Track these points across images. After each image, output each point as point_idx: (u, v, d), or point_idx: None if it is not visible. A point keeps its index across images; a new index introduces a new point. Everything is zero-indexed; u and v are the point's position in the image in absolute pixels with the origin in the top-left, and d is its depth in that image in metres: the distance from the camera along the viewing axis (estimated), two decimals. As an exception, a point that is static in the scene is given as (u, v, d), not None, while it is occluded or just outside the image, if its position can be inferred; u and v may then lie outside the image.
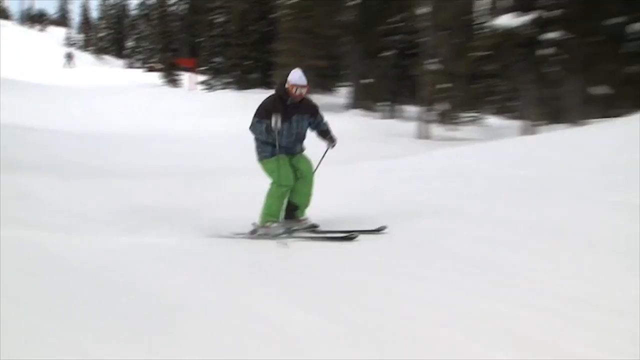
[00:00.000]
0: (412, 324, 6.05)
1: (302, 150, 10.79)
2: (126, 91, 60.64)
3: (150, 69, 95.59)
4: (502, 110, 43.36)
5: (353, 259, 8.84)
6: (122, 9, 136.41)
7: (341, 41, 49.62)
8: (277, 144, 10.20)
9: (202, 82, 69.62)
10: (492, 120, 43.77)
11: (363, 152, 26.06)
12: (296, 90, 10.00)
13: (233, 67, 68.03)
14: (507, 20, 31.92)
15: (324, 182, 13.11)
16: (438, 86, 39.35)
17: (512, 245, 9.55)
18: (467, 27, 40.36)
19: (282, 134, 10.23)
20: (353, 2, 49.04)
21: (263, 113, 10.01)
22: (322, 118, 10.74)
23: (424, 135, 37.21)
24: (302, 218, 10.44)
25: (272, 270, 8.57)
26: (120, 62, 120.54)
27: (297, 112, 10.19)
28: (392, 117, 46.94)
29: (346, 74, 52.71)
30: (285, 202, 10.51)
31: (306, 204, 10.57)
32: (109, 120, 41.18)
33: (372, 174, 15.94)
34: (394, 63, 46.73)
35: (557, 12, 30.54)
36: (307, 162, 10.68)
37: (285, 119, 10.08)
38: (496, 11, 34.69)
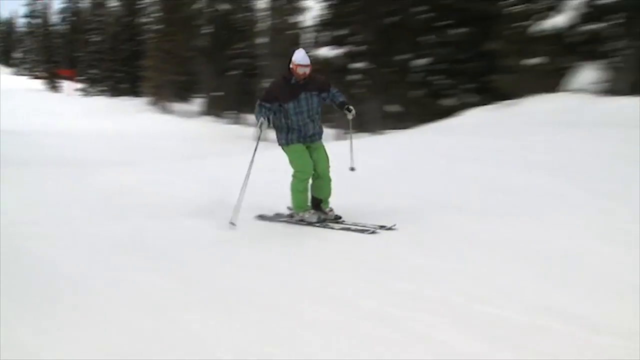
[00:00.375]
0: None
1: (319, 135, 8.93)
2: (13, 93, 60.28)
3: (36, 77, 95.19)
4: (324, 121, 44.62)
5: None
6: (10, 25, 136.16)
7: (196, 61, 51.39)
8: (287, 126, 8.68)
9: (80, 89, 71.87)
10: None
11: (212, 150, 27.04)
12: (299, 69, 8.33)
13: (106, 78, 71.00)
14: (325, 52, 32.79)
15: (183, 171, 13.97)
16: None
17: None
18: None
19: (291, 112, 8.58)
20: (206, 31, 51.13)
21: (266, 96, 8.49)
22: (334, 90, 8.87)
23: (261, 139, 36.54)
24: (327, 210, 8.91)
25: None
26: (8, 70, 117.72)
27: (304, 89, 8.47)
28: (236, 123, 47.58)
29: (200, 87, 54.52)
30: (311, 188, 8.95)
31: (327, 196, 9.02)
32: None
33: (218, 166, 15.46)
34: (238, 80, 47.96)
35: (362, 48, 31.54)
36: (324, 159, 8.84)
37: (292, 98, 8.48)
38: (318, 44, 35.60)
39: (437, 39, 30.20)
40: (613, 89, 19.64)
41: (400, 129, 26.67)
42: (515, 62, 22.93)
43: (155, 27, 55.68)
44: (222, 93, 49.16)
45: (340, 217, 8.73)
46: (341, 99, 8.75)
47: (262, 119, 8.44)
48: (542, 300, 5.66)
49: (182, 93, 56.17)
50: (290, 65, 8.34)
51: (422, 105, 29.78)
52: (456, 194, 10.73)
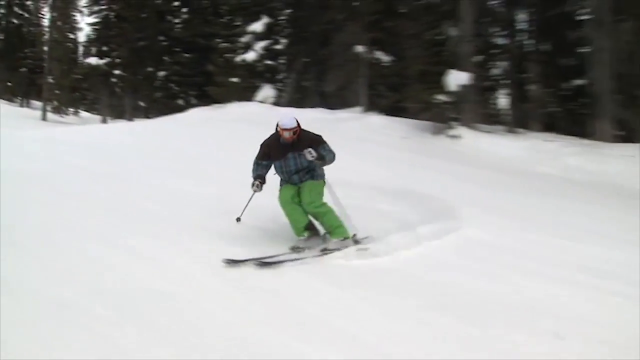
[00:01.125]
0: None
1: (308, 177, 6.74)
2: None
3: None
4: (90, 109, 45.33)
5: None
6: None
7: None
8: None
9: None
10: (85, 114, 43.33)
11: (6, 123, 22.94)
12: (285, 133, 6.51)
13: None
14: (93, 61, 33.52)
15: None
16: (56, 91, 39.18)
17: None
18: (73, 60, 41.14)
19: (277, 168, 6.77)
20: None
21: (261, 154, 6.79)
22: (324, 148, 6.65)
23: (45, 119, 34.56)
24: (336, 239, 6.36)
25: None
26: None
27: (292, 150, 6.57)
28: (22, 106, 43.77)
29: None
30: (300, 219, 6.53)
31: (331, 227, 6.50)
32: None
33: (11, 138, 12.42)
34: (27, 76, 45.04)
35: (119, 60, 32.59)
36: (308, 192, 6.59)
37: (281, 157, 6.60)
38: (87, 55, 35.98)
39: (172, 59, 32.47)
40: (279, 102, 23.10)
41: (147, 118, 28.61)
42: (224, 79, 24.82)
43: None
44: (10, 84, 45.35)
45: (358, 242, 6.48)
46: (322, 154, 6.60)
47: (256, 182, 6.78)
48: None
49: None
50: (277, 128, 6.66)
51: (162, 103, 31.90)
52: (168, 159, 11.32)
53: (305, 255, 6.14)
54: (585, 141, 17.44)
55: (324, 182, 6.86)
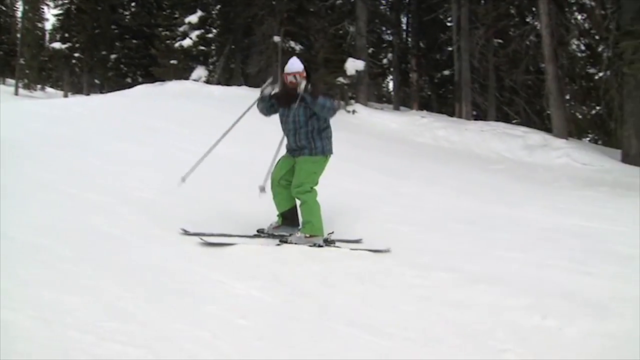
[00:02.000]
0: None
1: (305, 150, 5.09)
2: None
3: None
4: (54, 85, 42.71)
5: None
6: None
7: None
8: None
9: None
10: (50, 90, 41.50)
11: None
12: (288, 77, 5.03)
13: None
14: (57, 45, 31.80)
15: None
16: (26, 71, 37.60)
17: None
18: (40, 45, 38.89)
19: (280, 119, 5.22)
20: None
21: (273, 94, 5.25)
22: (320, 98, 4.95)
23: (17, 94, 33.50)
24: (301, 234, 5.00)
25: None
26: None
27: (298, 100, 4.93)
28: (2, 83, 40.38)
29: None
30: (281, 204, 5.22)
31: (303, 219, 5.08)
32: None
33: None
34: (3, 58, 41.58)
35: (77, 45, 31.25)
36: (298, 173, 5.08)
37: (283, 104, 5.12)
38: (52, 40, 34.14)
39: (122, 45, 31.82)
40: (210, 81, 22.67)
41: (101, 93, 27.47)
42: (165, 61, 24.25)
43: None
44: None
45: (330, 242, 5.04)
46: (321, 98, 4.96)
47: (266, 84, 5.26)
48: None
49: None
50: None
51: (114, 81, 30.85)
52: (117, 127, 10.82)
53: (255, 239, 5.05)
54: (451, 118, 17.87)
55: (326, 158, 5.18)
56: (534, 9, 17.32)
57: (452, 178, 9.73)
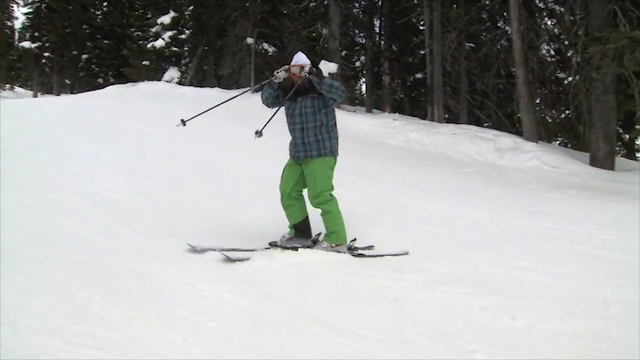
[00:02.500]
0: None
1: (309, 152, 4.76)
2: None
3: None
4: (24, 85, 42.24)
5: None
6: None
7: None
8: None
9: None
10: (19, 90, 40.79)
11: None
12: (292, 69, 4.73)
13: None
14: (26, 44, 31.28)
15: None
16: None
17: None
18: (10, 44, 36.92)
19: (286, 116, 4.90)
20: None
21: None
22: (327, 79, 4.76)
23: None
24: (327, 244, 4.82)
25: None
26: None
27: (303, 94, 4.74)
28: None
29: None
30: (293, 216, 4.94)
31: (327, 229, 4.85)
32: None
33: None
34: None
35: (47, 44, 30.73)
36: (313, 183, 4.76)
37: (290, 98, 4.75)
38: (21, 39, 33.24)
39: (94, 45, 31.35)
40: (183, 82, 22.58)
41: (72, 94, 27.81)
42: (137, 62, 24.05)
43: None
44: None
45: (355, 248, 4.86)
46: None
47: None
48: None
49: None
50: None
51: (85, 81, 30.62)
52: (87, 126, 10.87)
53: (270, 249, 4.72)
54: (423, 121, 17.97)
55: (334, 159, 4.90)
56: (505, 13, 17.58)
57: (424, 181, 9.83)
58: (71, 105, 14.51)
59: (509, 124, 18.73)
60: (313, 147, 4.78)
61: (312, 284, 3.99)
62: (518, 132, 16.19)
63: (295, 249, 4.73)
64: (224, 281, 3.93)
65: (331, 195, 4.82)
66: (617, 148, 17.33)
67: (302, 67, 4.77)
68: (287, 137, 4.96)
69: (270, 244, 4.83)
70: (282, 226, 5.05)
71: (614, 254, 5.14)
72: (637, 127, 17.02)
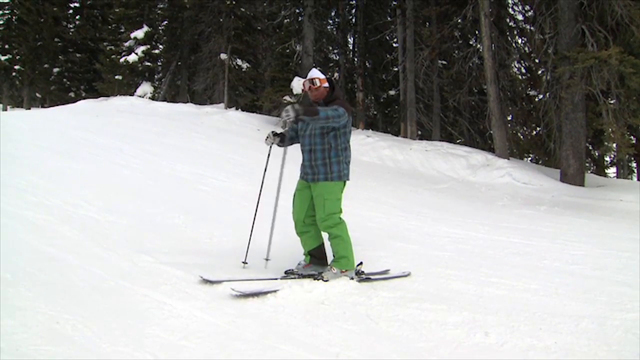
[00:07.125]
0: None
1: (317, 175, 4.57)
2: None
3: None
4: None
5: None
6: None
7: None
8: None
9: None
10: None
11: None
12: (304, 84, 4.66)
13: None
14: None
15: None
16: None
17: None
18: None
19: (301, 134, 4.72)
20: None
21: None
22: (321, 112, 4.34)
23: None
24: (336, 269, 4.57)
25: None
26: None
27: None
28: None
29: None
30: (308, 243, 4.79)
31: (335, 254, 4.63)
32: None
33: None
34: None
35: (18, 57, 30.20)
36: (322, 206, 4.55)
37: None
38: None
39: (66, 58, 31.17)
40: (156, 97, 22.59)
41: (43, 107, 27.89)
42: (109, 76, 23.96)
43: None
44: None
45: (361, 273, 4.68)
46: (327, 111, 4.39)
47: (269, 133, 4.90)
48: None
49: None
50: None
51: (56, 95, 30.34)
52: (55, 142, 10.59)
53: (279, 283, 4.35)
54: (396, 137, 18.14)
55: (343, 184, 4.69)
56: (476, 32, 17.91)
57: (397, 197, 9.92)
58: (42, 120, 14.19)
59: (481, 140, 18.99)
60: (320, 170, 4.60)
61: (285, 302, 3.96)
62: (490, 149, 16.43)
63: (313, 277, 4.53)
64: (196, 299, 3.88)
65: (340, 218, 4.65)
66: (587, 164, 17.68)
67: (314, 80, 4.61)
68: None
69: (286, 272, 4.67)
70: (256, 241, 4.99)
71: (584, 269, 5.22)
72: (606, 144, 17.37)
